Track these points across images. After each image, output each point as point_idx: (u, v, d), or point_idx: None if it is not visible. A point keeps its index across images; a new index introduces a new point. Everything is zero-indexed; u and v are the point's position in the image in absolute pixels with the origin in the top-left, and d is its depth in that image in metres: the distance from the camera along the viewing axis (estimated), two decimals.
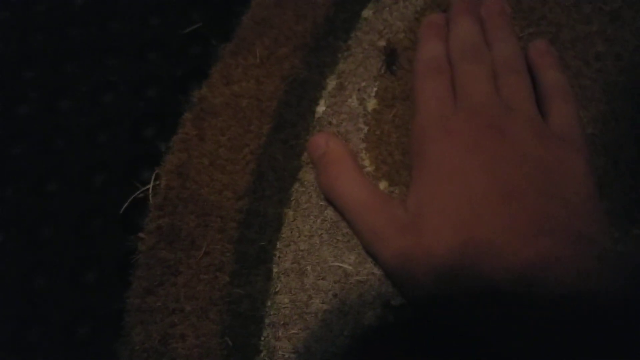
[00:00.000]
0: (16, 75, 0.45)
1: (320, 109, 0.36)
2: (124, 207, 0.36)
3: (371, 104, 0.35)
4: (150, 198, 0.35)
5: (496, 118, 0.29)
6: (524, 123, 0.29)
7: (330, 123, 0.35)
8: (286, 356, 0.30)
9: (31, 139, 0.41)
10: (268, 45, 0.39)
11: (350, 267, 0.31)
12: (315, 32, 0.39)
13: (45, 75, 0.44)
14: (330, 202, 0.32)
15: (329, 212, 0.32)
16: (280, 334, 0.30)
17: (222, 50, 0.40)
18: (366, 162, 0.34)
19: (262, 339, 0.31)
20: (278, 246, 0.32)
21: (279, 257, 0.32)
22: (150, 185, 0.36)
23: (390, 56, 0.36)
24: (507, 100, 0.30)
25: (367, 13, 0.39)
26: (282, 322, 0.31)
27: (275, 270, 0.32)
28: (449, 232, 0.26)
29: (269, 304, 0.31)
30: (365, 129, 0.35)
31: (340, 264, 0.31)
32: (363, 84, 0.36)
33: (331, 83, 0.37)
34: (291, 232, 0.32)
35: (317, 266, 0.32)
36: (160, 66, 0.42)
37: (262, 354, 0.30)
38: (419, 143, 0.30)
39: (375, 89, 0.36)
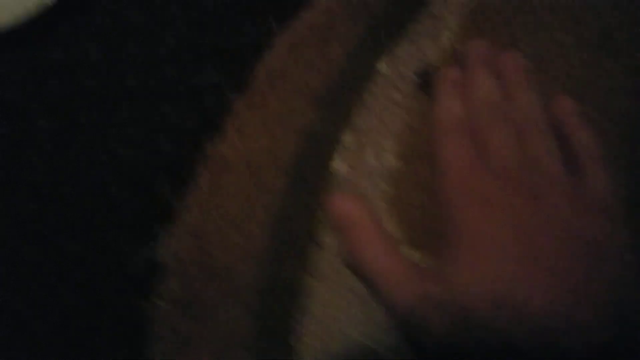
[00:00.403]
0: (30, 124, 0.44)
1: (337, 165, 0.35)
2: (135, 268, 0.35)
3: (390, 161, 0.35)
4: (163, 260, 0.34)
5: (527, 182, 0.28)
6: (557, 188, 0.28)
7: (347, 180, 0.35)
8: None
9: (41, 191, 0.41)
10: (282, 98, 0.38)
11: (379, 347, 0.30)
12: (329, 85, 0.38)
13: (59, 125, 0.44)
14: (354, 271, 0.31)
15: (354, 281, 0.31)
16: None
17: (236, 102, 0.39)
18: (386, 224, 0.33)
19: None
20: (299, 319, 0.31)
21: (301, 331, 0.30)
22: (163, 246, 0.35)
23: (424, 77, 0.36)
24: (534, 162, 0.29)
25: (382, 66, 0.38)
26: None
27: (296, 346, 0.30)
28: (487, 306, 0.25)
29: None
30: (385, 188, 0.34)
31: (369, 343, 0.29)
32: (380, 139, 0.35)
33: (348, 138, 0.36)
34: (313, 303, 0.31)
35: (343, 344, 0.30)
36: (174, 118, 0.42)
37: None
38: (447, 209, 0.29)
39: (393, 146, 0.35)
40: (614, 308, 0.25)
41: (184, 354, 0.30)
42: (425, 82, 0.36)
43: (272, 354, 0.30)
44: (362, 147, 0.35)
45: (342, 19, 0.40)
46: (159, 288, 0.33)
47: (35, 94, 0.45)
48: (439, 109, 0.33)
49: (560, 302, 0.25)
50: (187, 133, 0.40)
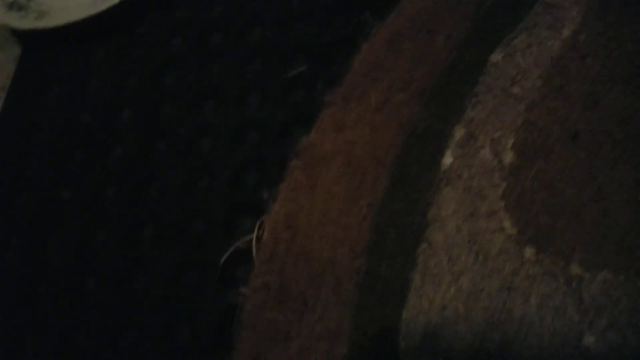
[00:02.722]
0: (113, 116, 0.44)
1: (447, 160, 0.32)
2: (225, 257, 0.33)
3: (508, 157, 0.31)
4: (254, 250, 0.32)
5: None
6: None
7: (459, 176, 0.31)
8: None
9: (126, 182, 0.40)
10: (383, 90, 0.36)
11: (484, 343, 0.26)
12: (436, 77, 0.35)
13: (142, 117, 0.43)
14: None
15: (465, 281, 0.28)
16: None
17: (332, 94, 0.37)
18: (506, 224, 0.29)
19: None
20: (404, 316, 0.28)
21: (406, 330, 0.27)
22: (254, 236, 0.33)
23: None
24: None
25: (495, 57, 0.35)
26: None
27: (402, 345, 0.27)
28: None
29: None
30: (504, 184, 0.30)
31: (484, 346, 0.26)
32: (497, 134, 0.32)
33: (459, 132, 0.33)
34: (419, 300, 0.28)
35: (444, 340, 0.27)
36: (261, 111, 0.40)
37: None
38: None
39: (511, 141, 0.32)
40: None
41: (275, 343, 0.28)
42: None
43: (374, 356, 0.27)
44: (477, 142, 0.32)
45: (448, 7, 0.37)
46: (250, 279, 0.31)
47: (118, 86, 0.45)
48: None
49: None
50: (276, 126, 0.39)
